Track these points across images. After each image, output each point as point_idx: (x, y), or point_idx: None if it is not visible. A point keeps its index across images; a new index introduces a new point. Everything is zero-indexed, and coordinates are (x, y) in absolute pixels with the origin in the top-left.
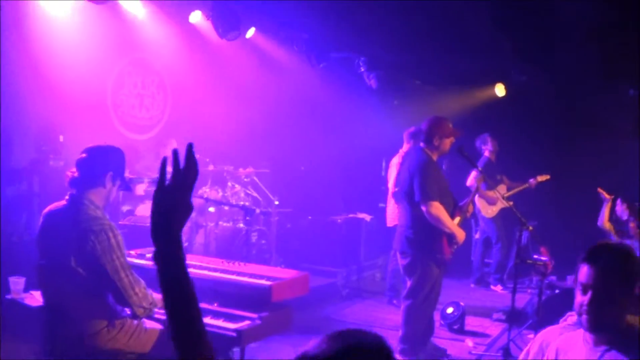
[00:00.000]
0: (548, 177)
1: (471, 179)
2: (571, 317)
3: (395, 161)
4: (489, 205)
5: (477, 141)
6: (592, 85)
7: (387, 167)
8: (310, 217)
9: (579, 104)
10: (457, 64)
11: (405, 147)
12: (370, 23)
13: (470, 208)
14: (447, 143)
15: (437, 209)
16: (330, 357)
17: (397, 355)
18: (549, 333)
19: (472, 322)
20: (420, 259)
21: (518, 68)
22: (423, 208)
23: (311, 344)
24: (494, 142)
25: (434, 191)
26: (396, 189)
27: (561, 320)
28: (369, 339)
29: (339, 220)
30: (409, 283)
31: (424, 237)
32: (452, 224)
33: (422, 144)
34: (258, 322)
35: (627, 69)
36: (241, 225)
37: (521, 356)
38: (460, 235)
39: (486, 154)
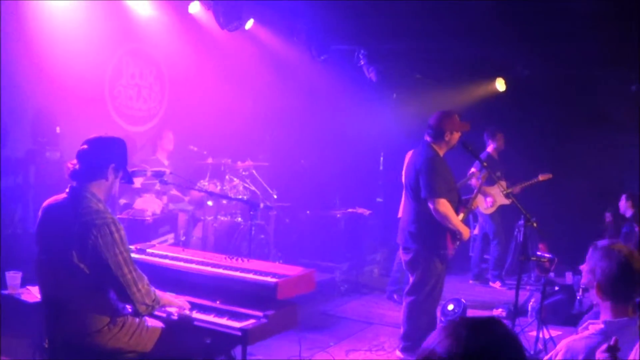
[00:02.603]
0: (550, 175)
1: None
2: (593, 326)
3: None
4: (488, 202)
5: (485, 133)
6: (593, 80)
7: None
8: (308, 212)
9: (580, 99)
10: (458, 58)
11: None
12: (371, 15)
13: (475, 203)
14: (456, 137)
15: (444, 206)
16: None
17: (399, 353)
18: (573, 344)
19: None
20: (423, 255)
21: (520, 62)
22: (430, 205)
23: (435, 339)
24: (501, 141)
25: (441, 188)
26: None
27: (580, 328)
28: (499, 327)
29: (338, 215)
30: (411, 279)
31: (428, 232)
32: (458, 221)
33: (428, 139)
34: (264, 320)
35: (629, 63)
36: (239, 219)
37: None
38: (465, 232)
39: (489, 149)
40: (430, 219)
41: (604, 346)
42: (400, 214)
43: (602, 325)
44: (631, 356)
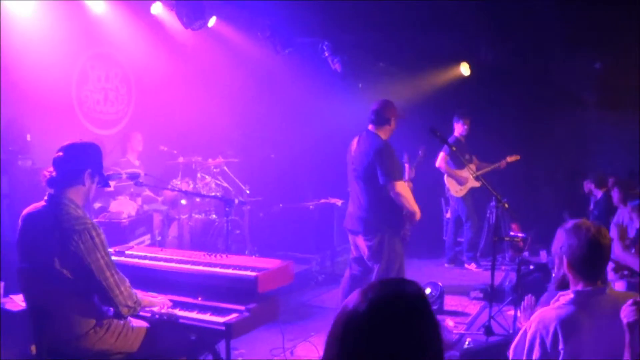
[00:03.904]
0: (518, 157)
1: (440, 159)
2: (563, 297)
3: None
4: (459, 185)
5: (455, 116)
6: (557, 59)
7: None
8: (281, 205)
9: (545, 79)
10: (421, 45)
11: None
12: (333, 6)
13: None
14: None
15: (403, 188)
16: (373, 308)
17: None
18: (544, 315)
19: (450, 302)
20: (387, 239)
21: (484, 45)
22: (390, 188)
23: (352, 297)
24: (467, 125)
25: (397, 171)
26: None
27: (552, 301)
28: (407, 286)
29: (310, 207)
30: (377, 266)
31: (388, 216)
32: (414, 202)
33: (372, 127)
34: (246, 314)
35: (591, 41)
36: (213, 216)
37: (516, 340)
38: (419, 213)
39: (456, 133)
40: (388, 203)
41: (630, 300)
42: (350, 206)
43: (572, 295)
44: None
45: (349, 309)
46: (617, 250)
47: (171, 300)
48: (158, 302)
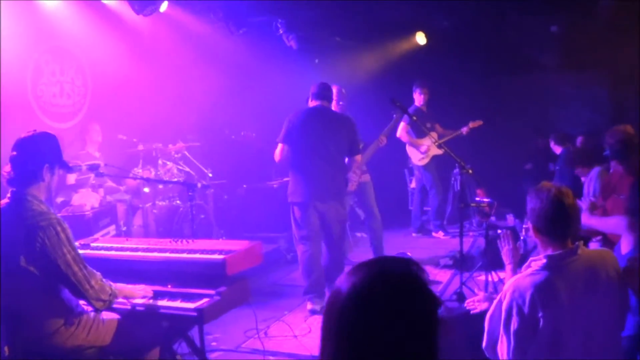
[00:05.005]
0: (481, 122)
1: (400, 130)
2: (535, 263)
3: None
4: (421, 153)
5: (413, 86)
6: (513, 24)
7: None
8: (245, 186)
9: (502, 44)
10: (376, 17)
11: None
12: None
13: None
14: None
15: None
16: (361, 287)
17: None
18: (519, 282)
19: None
20: (346, 201)
21: (438, 13)
22: (356, 157)
23: (340, 279)
24: (426, 95)
25: None
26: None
27: (524, 267)
28: (393, 265)
29: (275, 185)
30: (340, 227)
31: (345, 181)
32: None
33: (325, 103)
34: (217, 298)
35: (547, 5)
36: (177, 202)
37: (491, 311)
38: None
39: (417, 103)
40: (345, 170)
41: None
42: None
43: (544, 260)
44: None
45: (335, 289)
46: (585, 219)
47: None
48: (138, 293)
